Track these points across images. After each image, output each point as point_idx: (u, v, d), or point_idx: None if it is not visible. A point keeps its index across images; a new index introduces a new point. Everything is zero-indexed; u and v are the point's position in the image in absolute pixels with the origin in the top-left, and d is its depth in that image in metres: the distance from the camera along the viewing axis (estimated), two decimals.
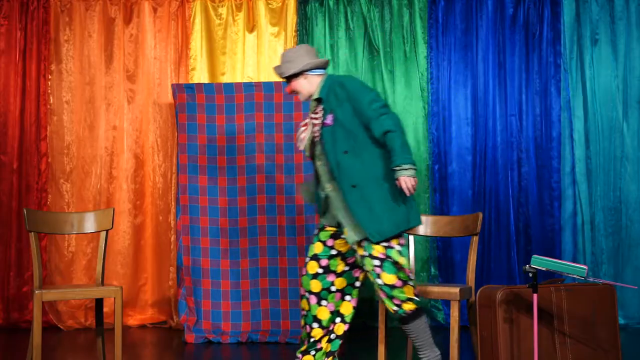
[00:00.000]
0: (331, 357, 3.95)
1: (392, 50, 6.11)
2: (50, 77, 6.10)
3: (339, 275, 3.93)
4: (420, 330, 3.75)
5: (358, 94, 3.74)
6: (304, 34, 6.14)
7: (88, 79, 6.12)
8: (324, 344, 3.93)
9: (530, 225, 5.98)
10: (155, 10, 6.16)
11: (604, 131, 6.02)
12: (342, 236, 3.86)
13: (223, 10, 6.17)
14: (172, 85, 5.72)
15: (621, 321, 5.82)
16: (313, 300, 3.91)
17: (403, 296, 3.71)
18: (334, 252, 3.92)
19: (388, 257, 3.74)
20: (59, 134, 6.09)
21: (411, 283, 3.75)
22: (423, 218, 4.52)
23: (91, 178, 6.08)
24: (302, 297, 3.94)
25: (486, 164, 6.02)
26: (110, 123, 6.12)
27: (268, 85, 5.61)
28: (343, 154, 3.74)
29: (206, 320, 5.44)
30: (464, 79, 6.08)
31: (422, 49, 6.10)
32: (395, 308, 3.74)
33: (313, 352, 3.91)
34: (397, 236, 3.76)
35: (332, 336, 3.94)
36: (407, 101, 6.09)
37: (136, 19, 6.16)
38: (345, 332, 3.97)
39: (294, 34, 6.13)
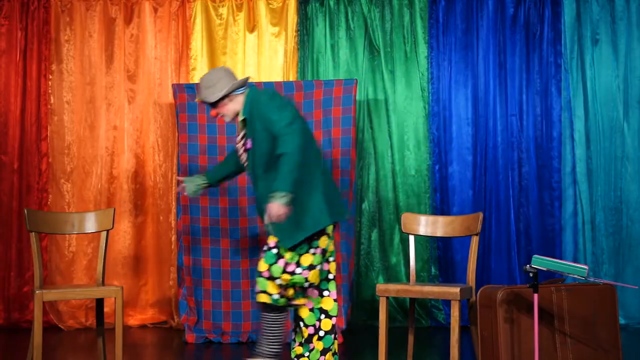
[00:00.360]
0: (329, 354, 3.97)
1: (392, 50, 6.11)
2: (50, 77, 6.10)
3: None
4: (268, 323, 3.85)
5: (267, 112, 3.79)
6: (304, 34, 6.14)
7: (89, 79, 6.13)
8: (315, 342, 3.98)
9: (531, 225, 5.98)
10: (155, 10, 6.16)
11: (605, 131, 6.02)
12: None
13: (223, 11, 6.17)
14: (173, 85, 5.73)
15: (622, 321, 5.82)
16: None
17: (261, 286, 3.80)
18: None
19: (276, 247, 3.82)
20: (59, 134, 6.09)
21: (278, 282, 3.79)
22: (423, 218, 4.52)
23: (92, 178, 6.08)
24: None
25: (487, 164, 6.02)
26: (111, 123, 6.12)
27: (269, 86, 5.61)
28: (262, 174, 3.85)
29: (207, 320, 5.45)
30: (464, 79, 6.08)
31: (423, 49, 6.09)
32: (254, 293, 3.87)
33: (307, 354, 3.97)
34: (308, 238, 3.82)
35: (321, 333, 3.97)
36: (408, 101, 6.09)
37: (137, 19, 6.16)
38: (333, 326, 4.00)
39: (294, 34, 6.13)
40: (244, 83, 3.95)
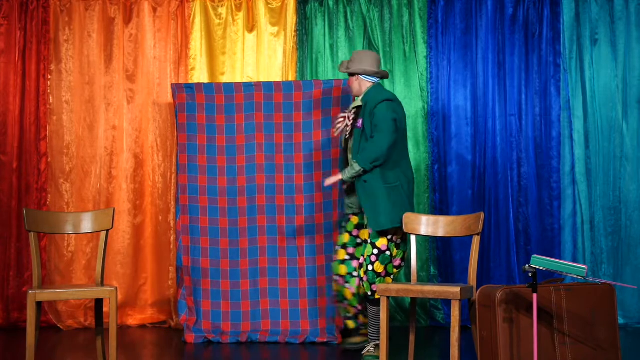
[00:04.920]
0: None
1: (391, 50, 6.11)
2: (49, 76, 6.10)
3: (360, 260, 4.81)
4: (376, 314, 4.66)
5: (379, 123, 4.57)
6: (303, 33, 6.14)
7: (88, 78, 6.12)
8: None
9: (530, 225, 5.99)
10: (154, 10, 6.16)
11: (604, 131, 6.03)
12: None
13: (223, 10, 6.17)
14: (172, 85, 5.73)
15: (621, 321, 5.82)
16: (340, 282, 4.90)
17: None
18: (359, 240, 4.88)
19: (388, 249, 4.61)
20: (58, 134, 6.09)
21: (392, 277, 4.67)
22: (424, 218, 4.53)
23: (91, 178, 6.08)
24: (333, 279, 4.97)
25: (486, 163, 6.03)
26: (110, 123, 6.12)
27: (268, 85, 5.61)
28: (357, 155, 4.62)
29: (206, 320, 5.45)
30: (463, 79, 6.08)
31: (422, 49, 6.10)
32: (369, 293, 4.64)
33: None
34: (395, 231, 4.60)
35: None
36: (407, 101, 6.09)
37: (136, 19, 6.16)
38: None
39: (293, 34, 6.13)
40: (376, 76, 4.75)
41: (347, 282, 4.89)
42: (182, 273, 5.50)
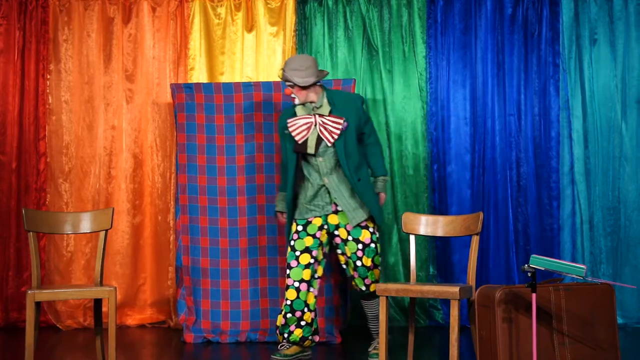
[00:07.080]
0: (316, 335, 4.78)
1: (391, 50, 6.11)
2: (49, 76, 6.10)
3: (320, 263, 4.70)
4: (377, 305, 4.67)
5: (366, 114, 4.72)
6: (302, 33, 6.14)
7: (87, 78, 6.12)
8: (315, 325, 4.74)
9: (529, 224, 5.99)
10: (154, 9, 6.16)
11: (603, 131, 6.03)
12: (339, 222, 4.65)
13: (222, 10, 6.17)
14: (171, 85, 5.72)
15: (620, 321, 5.82)
16: (304, 287, 4.60)
17: (373, 278, 4.67)
18: (318, 242, 4.67)
19: (372, 242, 4.64)
20: (57, 134, 6.08)
21: (379, 269, 4.69)
22: (423, 218, 4.53)
23: (90, 178, 6.08)
24: (290, 287, 4.61)
25: (485, 163, 6.03)
26: (109, 123, 6.12)
27: (267, 85, 5.61)
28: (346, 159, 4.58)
29: (205, 319, 5.45)
30: (462, 79, 6.08)
31: (421, 49, 6.10)
32: (363, 288, 4.68)
33: (310, 336, 4.71)
34: (374, 224, 4.68)
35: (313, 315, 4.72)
36: (406, 101, 6.09)
37: (135, 19, 6.15)
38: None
39: (292, 33, 6.13)
40: (323, 77, 4.60)
41: (311, 287, 4.63)
42: (182, 273, 5.50)
